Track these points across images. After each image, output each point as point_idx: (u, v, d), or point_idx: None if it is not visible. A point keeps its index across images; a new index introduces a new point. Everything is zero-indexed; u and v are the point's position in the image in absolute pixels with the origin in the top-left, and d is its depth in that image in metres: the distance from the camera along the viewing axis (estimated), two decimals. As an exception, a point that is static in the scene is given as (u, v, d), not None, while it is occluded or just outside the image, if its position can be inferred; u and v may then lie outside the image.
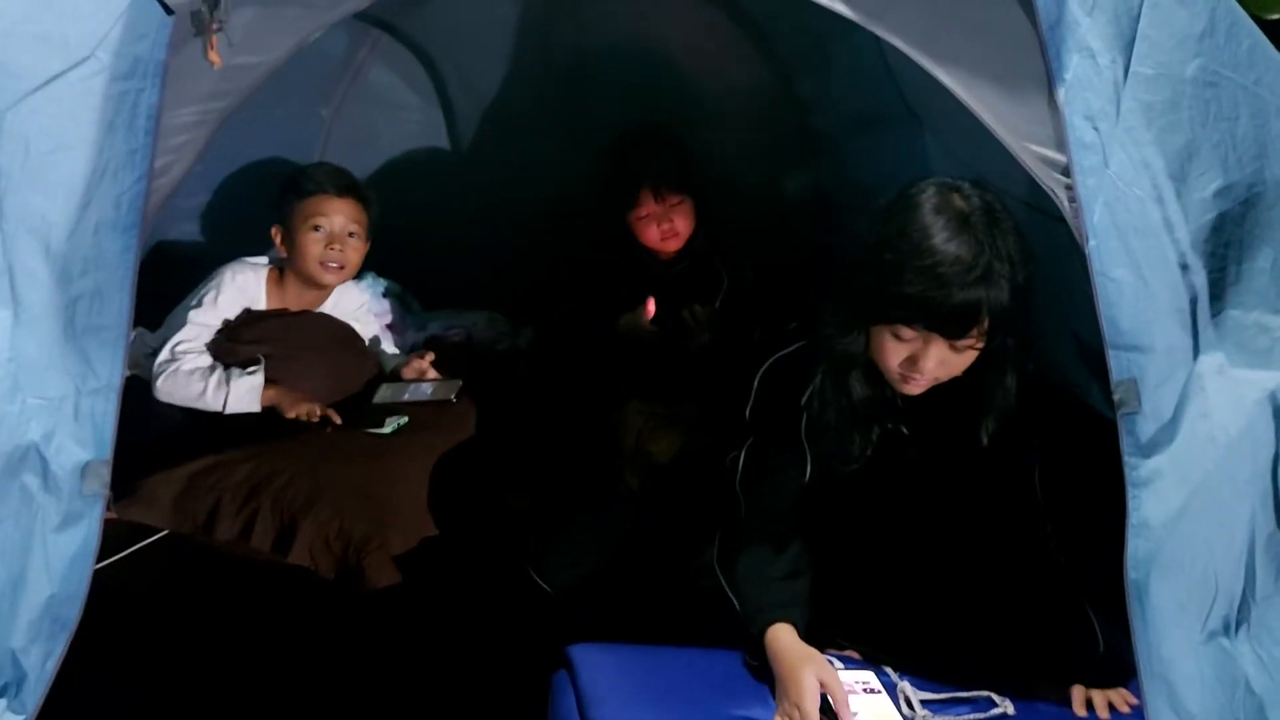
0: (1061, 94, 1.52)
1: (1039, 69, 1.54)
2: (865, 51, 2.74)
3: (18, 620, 1.43)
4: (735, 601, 1.78)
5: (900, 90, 2.82)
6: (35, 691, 1.43)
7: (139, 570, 2.05)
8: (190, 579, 2.06)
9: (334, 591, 2.06)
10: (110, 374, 1.46)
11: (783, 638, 1.68)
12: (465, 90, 3.22)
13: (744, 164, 3.12)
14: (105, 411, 1.46)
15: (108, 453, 1.46)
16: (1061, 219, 1.61)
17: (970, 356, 1.70)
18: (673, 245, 2.76)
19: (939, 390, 1.75)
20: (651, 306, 2.66)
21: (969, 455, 1.80)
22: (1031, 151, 1.56)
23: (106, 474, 1.46)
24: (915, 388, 1.73)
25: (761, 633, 1.69)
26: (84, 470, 1.46)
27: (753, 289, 2.86)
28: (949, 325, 1.65)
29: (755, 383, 1.92)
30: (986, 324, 1.66)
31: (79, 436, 1.46)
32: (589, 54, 3.10)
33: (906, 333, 1.68)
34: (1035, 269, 1.71)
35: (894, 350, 1.70)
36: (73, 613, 1.45)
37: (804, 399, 1.82)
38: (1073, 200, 1.53)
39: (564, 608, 2.03)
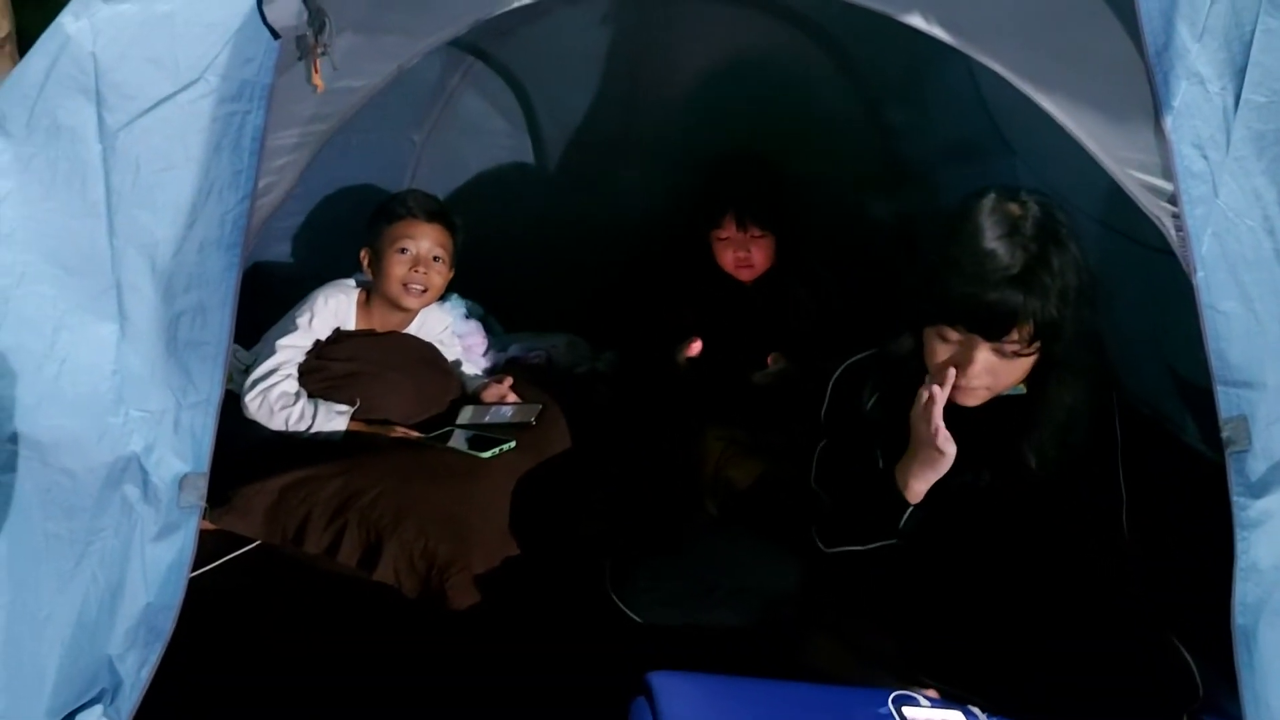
0: (1169, 122, 1.49)
1: (1145, 96, 1.51)
2: (957, 80, 2.72)
3: (115, 628, 1.46)
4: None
5: (993, 120, 2.78)
6: (130, 698, 1.46)
7: (230, 579, 2.10)
8: (280, 589, 2.09)
9: (417, 609, 2.07)
10: (210, 389, 1.50)
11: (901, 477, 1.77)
12: (553, 116, 3.26)
13: (828, 191, 3.10)
14: (204, 425, 1.50)
15: (205, 466, 1.50)
16: (1163, 250, 1.57)
17: (1020, 366, 1.70)
18: (746, 275, 2.75)
19: (1010, 407, 1.72)
20: (696, 347, 2.66)
21: (1036, 479, 1.78)
22: (1136, 180, 1.52)
23: (203, 486, 1.50)
24: (969, 398, 1.73)
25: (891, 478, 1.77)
26: (181, 482, 1.49)
27: (840, 323, 2.83)
28: (986, 326, 1.66)
29: (829, 387, 1.96)
30: (1030, 331, 1.65)
31: (178, 449, 1.50)
32: (676, 80, 3.12)
33: (951, 334, 1.69)
34: (1094, 285, 1.71)
35: (940, 352, 1.72)
36: (167, 622, 1.48)
37: (869, 405, 1.85)
38: (1180, 230, 1.49)
39: (643, 633, 2.01)
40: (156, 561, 1.48)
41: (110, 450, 1.47)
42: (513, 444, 2.42)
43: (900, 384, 1.79)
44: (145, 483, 1.48)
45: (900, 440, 1.80)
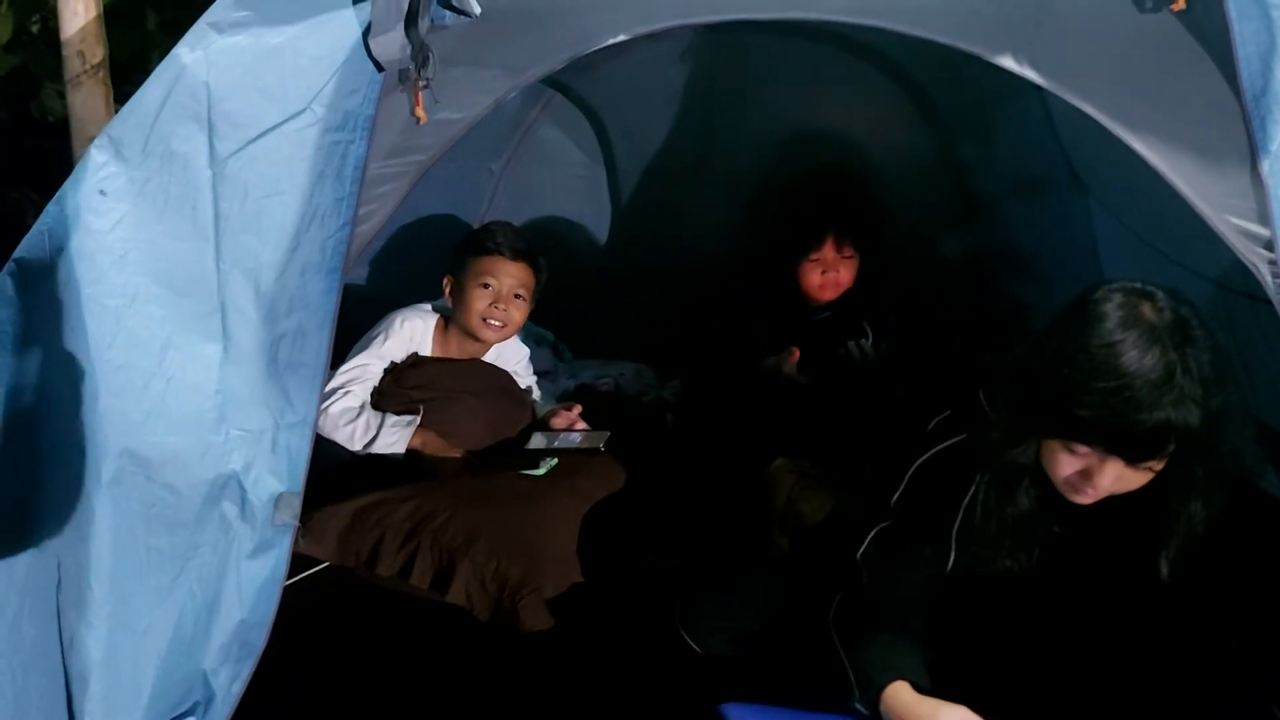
0: (1266, 166, 1.48)
1: (1241, 140, 1.50)
2: (1031, 116, 2.72)
3: (210, 642, 1.50)
4: (849, 667, 1.69)
5: (1066, 156, 2.78)
6: (221, 712, 1.49)
7: (304, 600, 2.12)
8: (352, 611, 2.11)
9: (488, 631, 2.09)
10: (307, 410, 1.54)
11: (904, 695, 1.58)
12: (630, 149, 3.31)
13: (899, 224, 3.11)
14: (300, 446, 1.54)
15: (300, 485, 1.54)
16: (1245, 294, 1.55)
17: (1150, 472, 1.58)
18: (830, 295, 2.79)
19: (1119, 501, 1.63)
20: (796, 354, 2.70)
21: (1144, 573, 1.68)
22: (1232, 224, 1.51)
23: (298, 506, 1.54)
24: (1085, 499, 1.62)
25: (879, 693, 1.60)
26: (277, 501, 1.53)
27: (897, 345, 2.85)
28: (1131, 450, 1.53)
29: (908, 475, 1.83)
30: (1172, 447, 1.53)
31: (275, 468, 1.53)
32: (752, 116, 3.16)
33: (1082, 449, 1.56)
34: (1233, 393, 1.56)
35: (1066, 464, 1.59)
36: (260, 638, 1.51)
37: (964, 503, 1.71)
38: (1276, 276, 1.47)
39: (715, 665, 2.01)
40: (251, 578, 1.51)
41: (211, 468, 1.51)
42: (555, 461, 2.44)
43: (1009, 490, 1.68)
44: (243, 501, 1.52)
45: (992, 549, 1.71)
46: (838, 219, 2.73)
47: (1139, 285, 1.57)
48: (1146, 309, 1.53)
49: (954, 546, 1.74)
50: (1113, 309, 1.53)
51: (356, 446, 2.43)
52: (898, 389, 2.65)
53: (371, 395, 2.56)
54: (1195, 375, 1.49)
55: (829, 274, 2.76)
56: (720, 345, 2.90)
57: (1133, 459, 1.54)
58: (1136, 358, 1.49)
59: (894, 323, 2.89)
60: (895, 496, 1.85)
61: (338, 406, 2.45)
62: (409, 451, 2.47)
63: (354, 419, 2.45)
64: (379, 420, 2.46)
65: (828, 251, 2.74)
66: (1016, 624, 1.76)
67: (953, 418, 1.83)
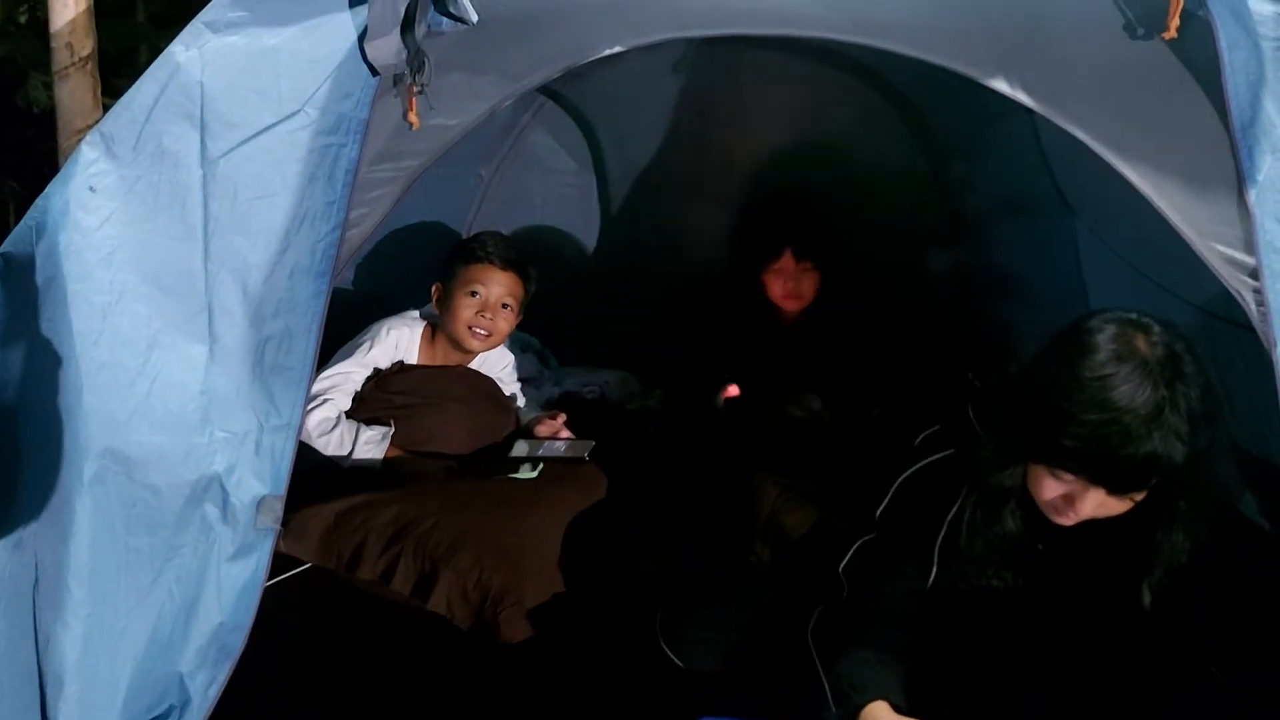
0: (1253, 195, 1.49)
1: (1229, 168, 1.51)
2: (1019, 137, 2.74)
3: (188, 645, 1.49)
4: (825, 681, 1.69)
5: (1054, 178, 2.80)
6: (197, 716, 1.48)
7: (282, 602, 2.11)
8: (331, 615, 2.10)
9: (468, 640, 2.08)
10: (291, 413, 1.53)
11: (883, 716, 1.58)
12: (621, 158, 3.32)
13: (887, 242, 3.13)
14: (284, 449, 1.53)
15: (283, 489, 1.53)
16: (1234, 322, 1.56)
17: (1132, 501, 1.59)
18: (793, 306, 2.87)
19: (1104, 525, 1.64)
20: (733, 390, 2.77)
21: (1128, 596, 1.69)
22: (1218, 252, 1.52)
23: (279, 509, 1.53)
24: (1067, 522, 1.63)
25: (857, 712, 1.60)
26: (259, 504, 1.52)
27: (866, 364, 2.86)
28: (1114, 481, 1.54)
29: (893, 488, 1.84)
30: (1156, 480, 1.54)
31: (258, 471, 1.53)
32: (743, 128, 3.18)
33: (1067, 476, 1.57)
34: (1220, 429, 1.57)
35: (1050, 487, 1.60)
36: (238, 642, 1.50)
37: (949, 518, 1.72)
38: (1260, 305, 1.48)
39: (696, 678, 2.01)
40: (231, 581, 1.50)
41: (194, 469, 1.50)
42: (541, 465, 2.45)
43: (995, 511, 1.69)
44: (225, 503, 1.51)
45: (976, 566, 1.73)
46: (795, 233, 2.82)
47: (1134, 316, 1.57)
48: (1140, 342, 1.53)
49: (936, 562, 1.74)
50: (1106, 340, 1.54)
51: (331, 454, 2.42)
52: (874, 410, 2.67)
53: (353, 401, 2.55)
54: (1184, 412, 1.50)
55: (790, 284, 2.84)
56: (698, 364, 2.94)
57: (1115, 489, 1.55)
58: (1128, 392, 1.49)
59: (868, 324, 2.92)
60: (880, 509, 1.86)
61: (316, 416, 2.43)
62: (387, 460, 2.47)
63: (329, 430, 2.43)
64: (353, 434, 2.45)
65: (787, 262, 2.82)
66: (999, 641, 1.77)
67: (940, 433, 1.84)
